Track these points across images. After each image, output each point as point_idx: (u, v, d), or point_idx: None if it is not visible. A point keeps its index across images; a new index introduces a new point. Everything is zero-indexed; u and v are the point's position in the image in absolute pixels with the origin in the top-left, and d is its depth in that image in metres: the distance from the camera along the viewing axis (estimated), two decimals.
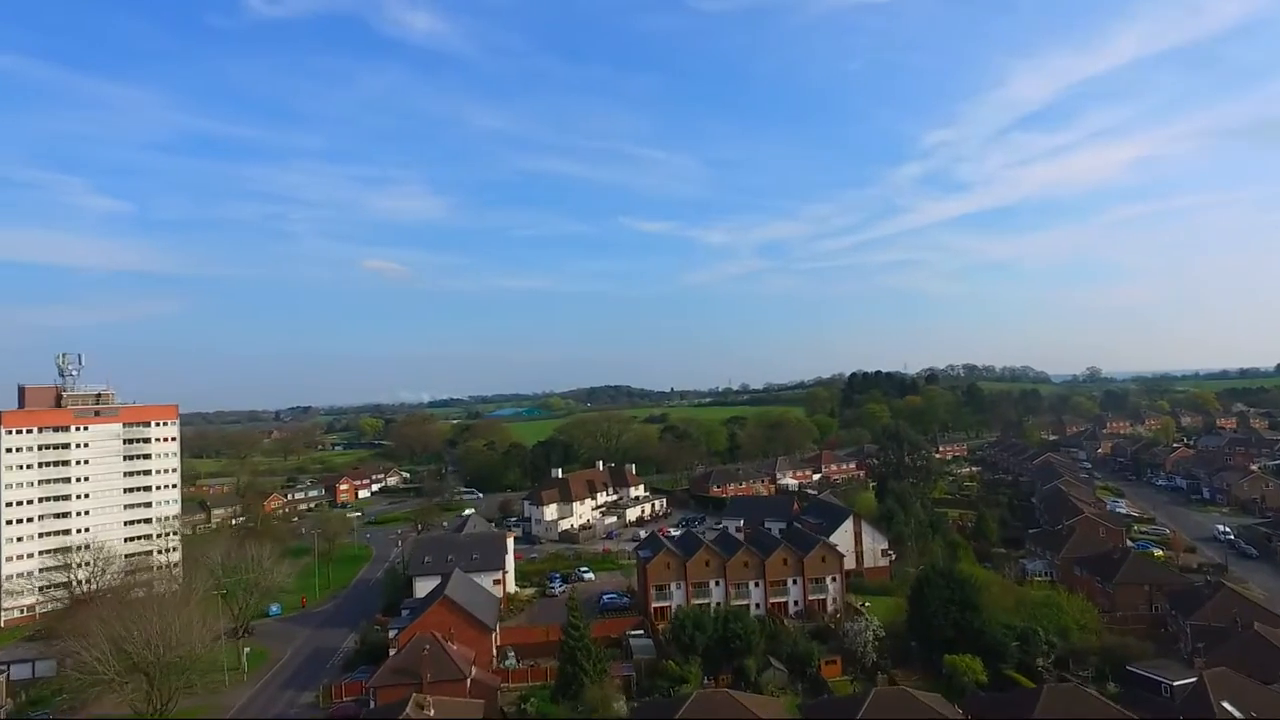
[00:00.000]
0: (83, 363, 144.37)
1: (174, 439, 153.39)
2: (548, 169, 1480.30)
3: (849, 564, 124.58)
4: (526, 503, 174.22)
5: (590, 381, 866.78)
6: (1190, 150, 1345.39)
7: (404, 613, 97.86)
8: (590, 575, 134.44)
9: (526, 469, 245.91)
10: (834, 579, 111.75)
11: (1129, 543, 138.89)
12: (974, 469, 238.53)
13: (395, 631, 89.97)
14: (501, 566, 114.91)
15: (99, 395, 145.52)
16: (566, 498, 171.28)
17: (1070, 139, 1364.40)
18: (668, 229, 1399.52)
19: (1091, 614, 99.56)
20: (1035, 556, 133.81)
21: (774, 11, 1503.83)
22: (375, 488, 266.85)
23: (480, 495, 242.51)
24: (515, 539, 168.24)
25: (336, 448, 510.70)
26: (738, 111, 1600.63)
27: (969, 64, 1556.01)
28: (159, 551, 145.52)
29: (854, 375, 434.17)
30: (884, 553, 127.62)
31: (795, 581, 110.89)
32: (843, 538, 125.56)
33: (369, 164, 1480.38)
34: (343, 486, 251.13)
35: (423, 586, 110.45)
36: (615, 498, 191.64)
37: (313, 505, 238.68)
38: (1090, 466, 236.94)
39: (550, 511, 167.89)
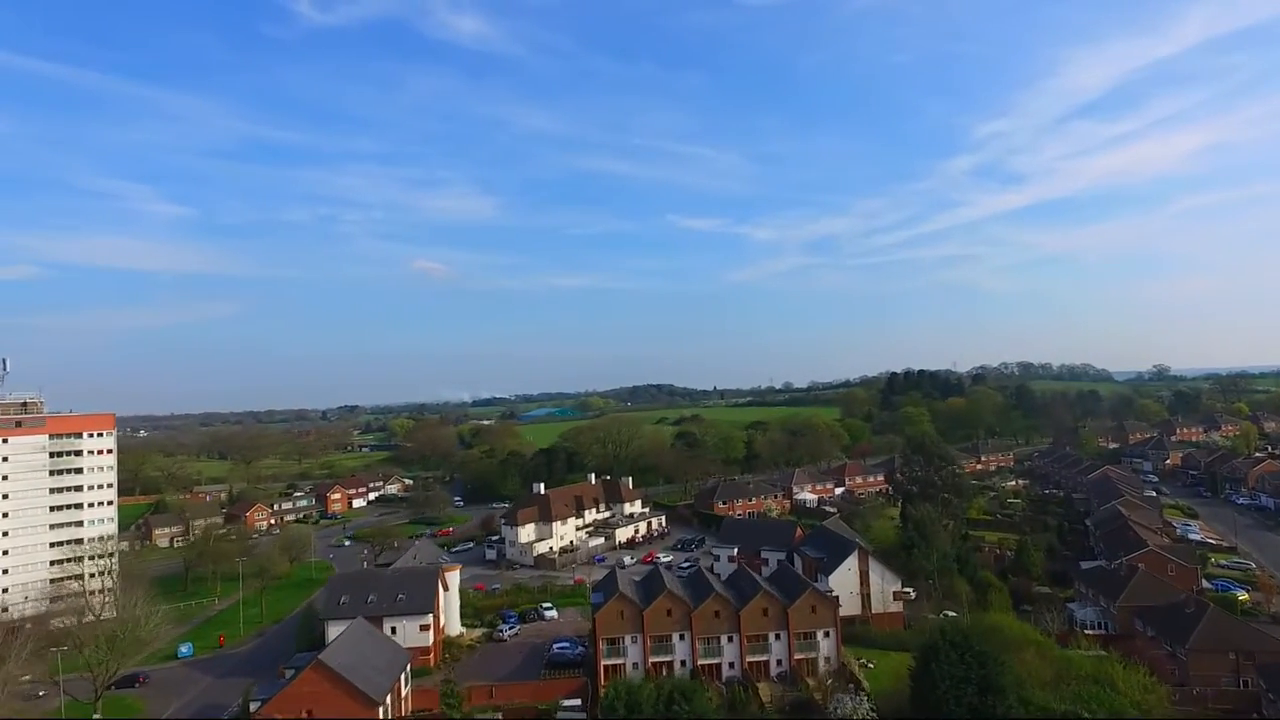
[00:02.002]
0: (7, 368, 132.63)
1: (110, 451, 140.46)
2: (594, 168, 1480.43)
3: (853, 608, 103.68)
4: (503, 522, 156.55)
5: (634, 380, 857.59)
6: (1266, 135, 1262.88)
7: (289, 673, 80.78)
8: (553, 614, 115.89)
9: (526, 478, 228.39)
10: (827, 634, 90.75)
11: (1205, 583, 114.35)
12: (1020, 482, 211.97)
13: (259, 702, 72.79)
14: (431, 609, 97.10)
15: (25, 404, 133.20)
16: (546, 517, 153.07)
17: (1133, 127, 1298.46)
18: (715, 226, 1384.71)
19: (1157, 693, 76.67)
20: (1086, 601, 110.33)
21: (820, 4, 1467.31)
22: (373, 496, 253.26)
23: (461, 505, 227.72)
24: (488, 562, 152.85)
25: (364, 449, 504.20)
26: (785, 107, 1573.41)
27: (1023, 52, 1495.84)
28: (91, 575, 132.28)
29: (894, 375, 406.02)
30: (896, 595, 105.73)
31: (779, 636, 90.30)
32: (845, 577, 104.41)
33: (419, 166, 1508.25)
34: (334, 496, 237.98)
35: (336, 633, 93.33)
36: (608, 515, 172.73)
37: (301, 516, 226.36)
38: (1157, 480, 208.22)
39: (526, 532, 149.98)
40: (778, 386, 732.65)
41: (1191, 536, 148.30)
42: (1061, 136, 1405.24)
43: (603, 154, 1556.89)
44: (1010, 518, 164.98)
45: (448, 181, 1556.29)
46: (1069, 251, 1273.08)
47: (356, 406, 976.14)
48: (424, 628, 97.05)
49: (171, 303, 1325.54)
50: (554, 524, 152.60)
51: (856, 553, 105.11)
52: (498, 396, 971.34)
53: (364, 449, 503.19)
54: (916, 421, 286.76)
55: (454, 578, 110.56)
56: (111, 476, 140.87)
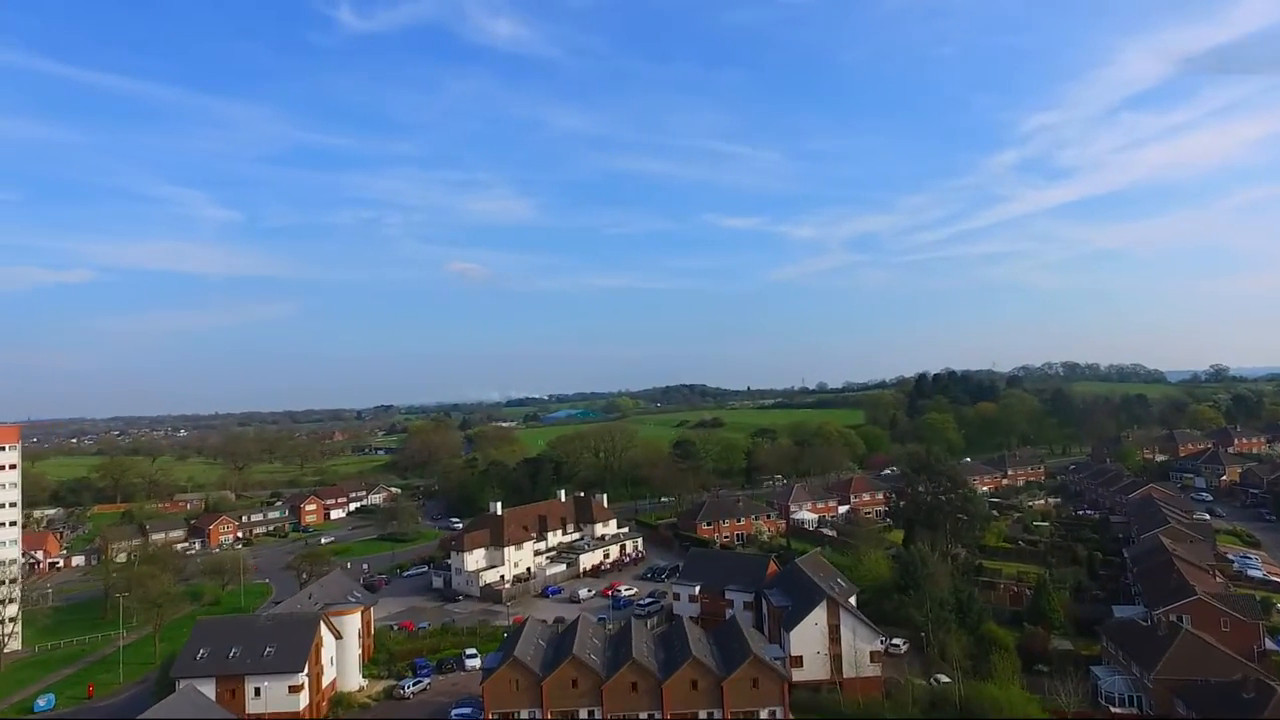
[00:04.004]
0: None
1: (13, 466, 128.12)
2: (632, 168, 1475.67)
3: (820, 671, 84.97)
4: (452, 548, 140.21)
5: (670, 379, 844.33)
6: None
7: None
8: (475, 662, 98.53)
9: (510, 490, 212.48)
10: (773, 713, 72.24)
11: (1268, 641, 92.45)
12: (1050, 500, 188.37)
13: None
14: (302, 666, 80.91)
15: None
16: (498, 541, 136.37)
17: (1189, 117, 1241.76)
18: (755, 225, 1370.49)
19: None
20: (1115, 664, 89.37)
21: None
22: (353, 506, 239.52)
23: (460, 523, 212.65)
24: (434, 591, 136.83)
25: (380, 451, 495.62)
26: (826, 103, 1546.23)
27: (1072, 42, 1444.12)
28: None
29: (922, 376, 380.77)
30: (874, 655, 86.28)
31: (711, 716, 72.13)
32: (810, 633, 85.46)
33: (459, 168, 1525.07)
34: (309, 507, 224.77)
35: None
36: (577, 537, 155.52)
37: (271, 529, 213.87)
38: (1210, 499, 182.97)
39: (474, 559, 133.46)
40: (811, 387, 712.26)
41: (1252, 573, 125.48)
42: (1112, 128, 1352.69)
43: (640, 153, 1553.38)
44: (1034, 546, 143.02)
45: (487, 183, 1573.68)
46: (1120, 247, 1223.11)
47: (391, 406, 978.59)
48: (294, 689, 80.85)
49: (220, 305, 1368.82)
50: (506, 549, 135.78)
51: (824, 604, 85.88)
52: (531, 396, 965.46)
53: (380, 451, 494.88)
54: (940, 429, 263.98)
55: (352, 621, 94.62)
56: (14, 495, 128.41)
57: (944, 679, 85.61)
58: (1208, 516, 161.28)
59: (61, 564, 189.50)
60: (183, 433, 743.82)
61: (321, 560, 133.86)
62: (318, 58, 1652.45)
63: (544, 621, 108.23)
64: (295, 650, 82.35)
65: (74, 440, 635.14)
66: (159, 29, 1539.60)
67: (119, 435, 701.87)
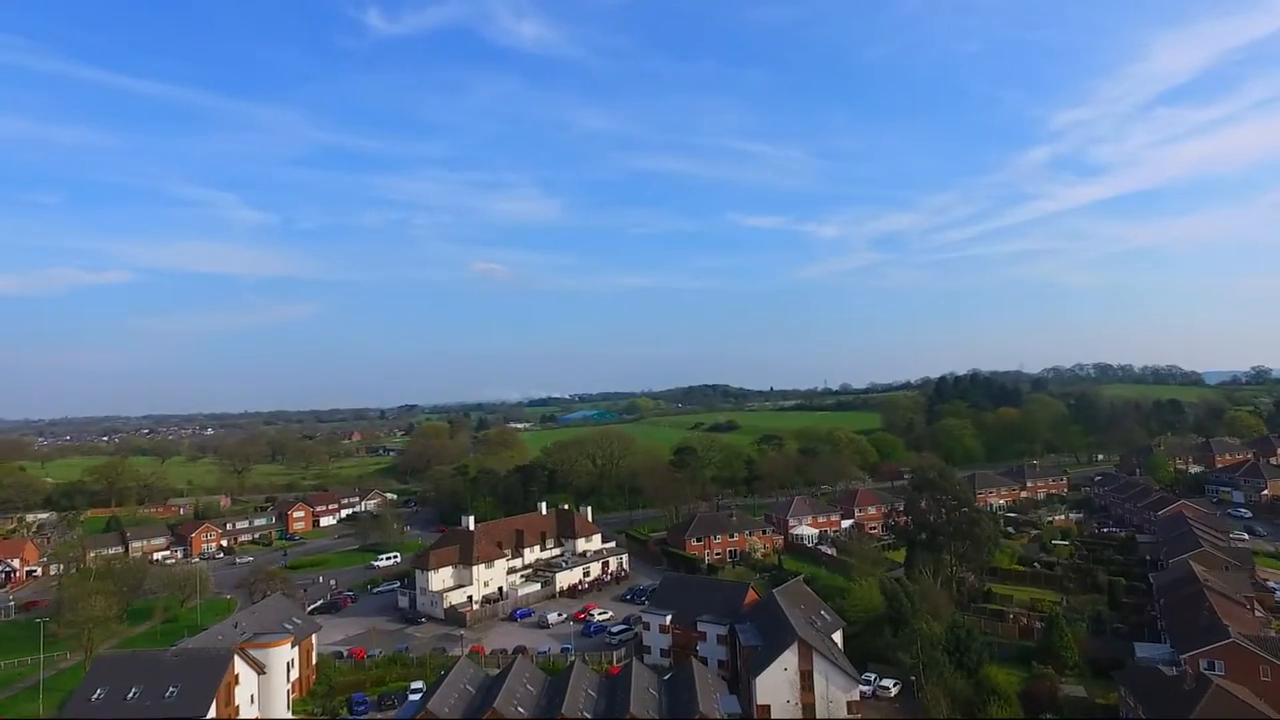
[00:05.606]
0: None
1: None
2: (656, 167, 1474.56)
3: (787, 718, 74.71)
4: (416, 565, 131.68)
5: (693, 379, 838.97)
6: None
7: None
8: (418, 698, 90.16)
9: (500, 499, 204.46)
10: None
11: None
12: (1071, 516, 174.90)
13: None
14: (205, 710, 72.67)
15: None
16: (467, 559, 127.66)
17: (1228, 111, 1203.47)
18: (778, 224, 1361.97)
19: None
20: (1133, 717, 77.79)
21: None
22: (345, 513, 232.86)
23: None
24: (399, 612, 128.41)
25: (390, 453, 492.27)
26: (849, 102, 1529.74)
27: (1103, 37, 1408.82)
28: None
29: (942, 379, 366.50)
30: (853, 705, 75.94)
31: None
32: (778, 680, 75.36)
33: (484, 169, 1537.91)
34: (297, 514, 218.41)
35: None
36: (557, 553, 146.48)
37: (257, 536, 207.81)
38: (1249, 517, 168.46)
39: (439, 578, 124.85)
40: (834, 388, 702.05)
41: None
42: (1147, 124, 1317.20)
43: (664, 153, 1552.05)
44: (1051, 569, 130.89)
45: (512, 184, 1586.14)
46: (1157, 244, 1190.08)
47: (415, 406, 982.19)
48: None
49: (252, 305, 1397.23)
50: (476, 567, 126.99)
51: (795, 646, 75.69)
52: (553, 396, 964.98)
53: (392, 453, 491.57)
54: (958, 436, 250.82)
55: (279, 654, 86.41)
56: None
57: None
58: (1246, 537, 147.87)
59: (40, 573, 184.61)
60: (210, 431, 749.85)
61: (273, 579, 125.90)
62: (346, 61, 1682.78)
63: (500, 652, 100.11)
64: (200, 690, 74.08)
65: (105, 439, 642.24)
66: (193, 35, 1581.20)
67: (147, 434, 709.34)
